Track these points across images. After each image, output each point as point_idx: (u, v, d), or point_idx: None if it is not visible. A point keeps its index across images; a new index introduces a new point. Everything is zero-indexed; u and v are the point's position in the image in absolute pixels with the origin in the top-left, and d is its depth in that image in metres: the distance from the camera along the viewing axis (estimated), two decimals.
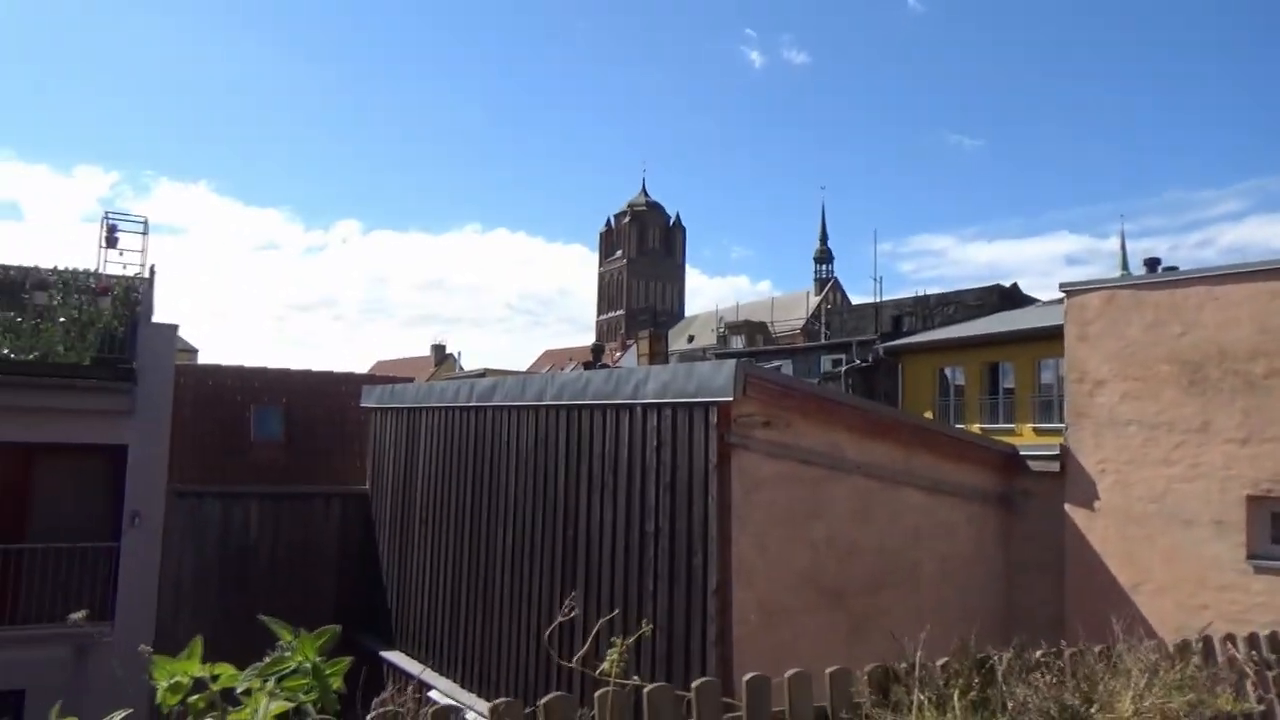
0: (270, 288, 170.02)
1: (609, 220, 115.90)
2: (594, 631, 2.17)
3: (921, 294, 35.45)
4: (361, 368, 68.59)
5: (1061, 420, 10.85)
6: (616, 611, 8.92)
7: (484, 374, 36.83)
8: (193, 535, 15.22)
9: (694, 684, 2.72)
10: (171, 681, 1.65)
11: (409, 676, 12.89)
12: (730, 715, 2.89)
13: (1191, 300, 9.57)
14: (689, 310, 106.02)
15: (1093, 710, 3.13)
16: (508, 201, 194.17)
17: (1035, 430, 23.77)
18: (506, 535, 11.91)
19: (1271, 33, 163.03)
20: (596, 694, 2.28)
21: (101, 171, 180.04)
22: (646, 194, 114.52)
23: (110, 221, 14.24)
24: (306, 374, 20.47)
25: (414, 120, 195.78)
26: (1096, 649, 3.84)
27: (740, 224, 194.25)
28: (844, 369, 30.18)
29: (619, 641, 1.87)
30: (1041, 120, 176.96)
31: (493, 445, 12.46)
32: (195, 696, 1.64)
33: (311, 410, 18.95)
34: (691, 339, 75.81)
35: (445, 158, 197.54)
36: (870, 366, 29.76)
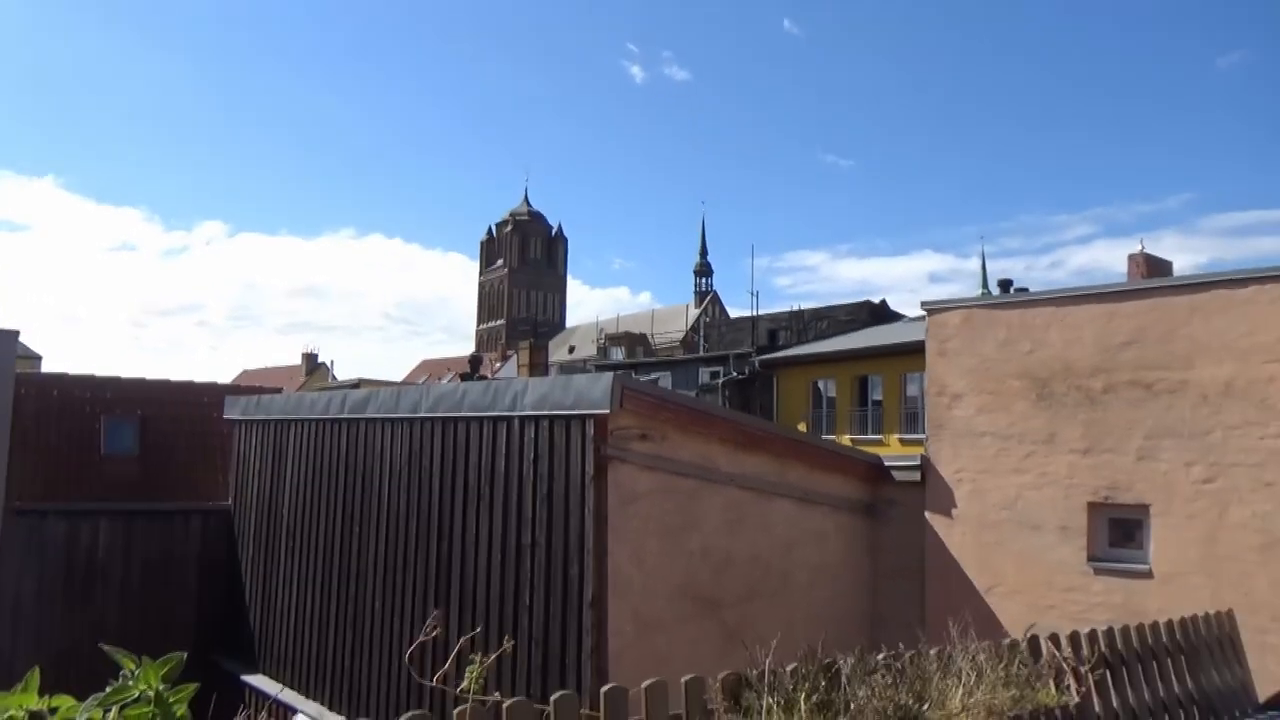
0: (126, 291, 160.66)
1: (490, 229, 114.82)
2: (456, 649, 2.15)
3: (796, 309, 36.56)
4: (228, 377, 65.62)
5: (925, 431, 11.37)
6: (479, 629, 8.83)
7: (358, 384, 35.84)
8: (34, 556, 14.20)
9: (552, 697, 2.73)
10: (5, 716, 1.57)
11: (273, 700, 12.38)
12: None
13: (1040, 320, 10.21)
14: (570, 321, 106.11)
15: (925, 708, 3.31)
16: (384, 206, 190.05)
17: (902, 441, 24.84)
18: (378, 551, 11.60)
19: (1126, 72, 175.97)
20: (455, 711, 2.27)
21: None
22: (529, 203, 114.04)
23: None
24: (165, 384, 19.45)
25: (282, 118, 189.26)
26: (933, 650, 4.06)
27: (622, 236, 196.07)
28: (721, 381, 30.78)
29: (478, 658, 1.87)
30: (910, 141, 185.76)
31: (365, 459, 12.13)
32: None
33: (170, 422, 18.02)
34: (572, 350, 75.83)
35: (317, 158, 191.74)
36: (747, 379, 30.46)
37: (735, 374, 30.91)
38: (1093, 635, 5.35)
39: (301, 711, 11.56)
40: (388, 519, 11.51)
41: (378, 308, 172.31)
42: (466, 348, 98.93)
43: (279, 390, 20.58)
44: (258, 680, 13.37)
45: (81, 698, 1.62)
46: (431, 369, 73.30)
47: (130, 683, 1.57)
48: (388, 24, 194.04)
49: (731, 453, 9.90)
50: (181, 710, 1.52)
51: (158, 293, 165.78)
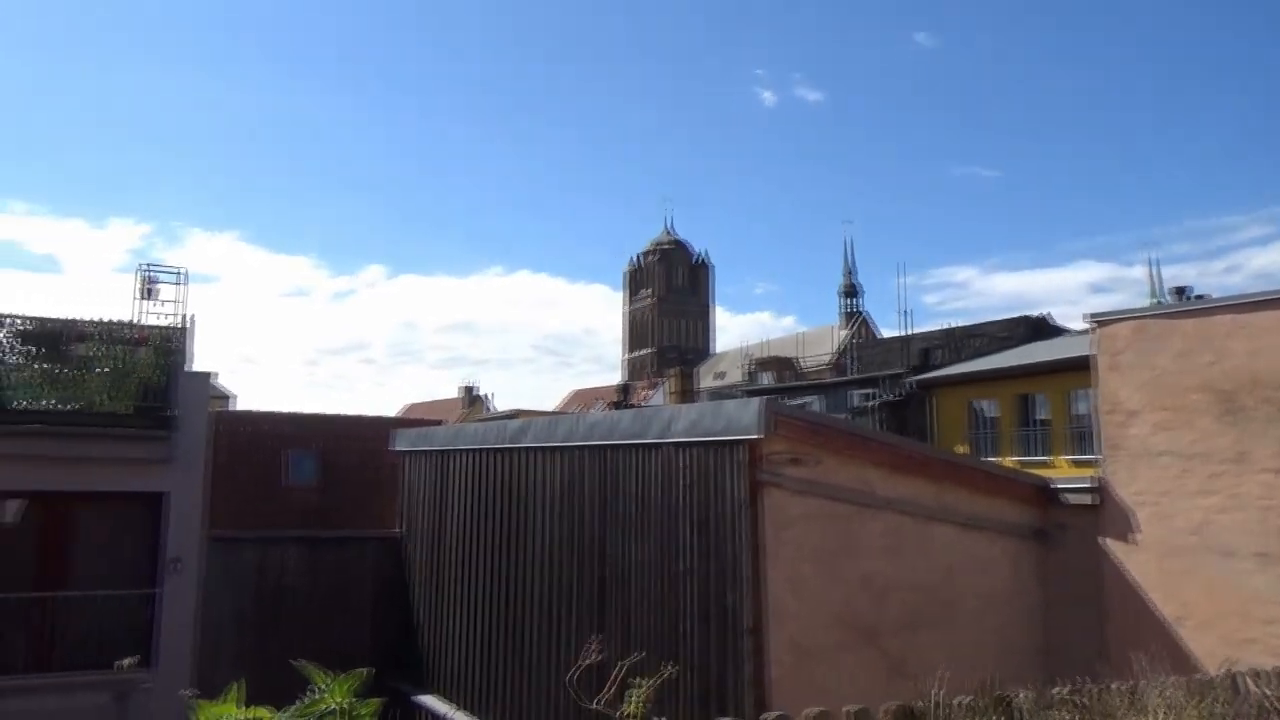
0: (300, 333, 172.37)
1: (634, 259, 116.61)
2: (615, 674, 2.20)
3: (949, 327, 35.27)
4: (392, 410, 69.13)
5: (1097, 451, 10.73)
6: (641, 654, 8.90)
7: (514, 415, 36.97)
8: (230, 580, 15.37)
9: None
10: None
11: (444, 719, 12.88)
12: None
13: (1221, 328, 9.49)
14: (717, 347, 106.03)
15: None
16: (530, 243, 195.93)
17: (1071, 462, 23.46)
18: (538, 577, 11.93)
19: None
20: None
21: (134, 223, 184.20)
22: (671, 232, 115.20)
23: (147, 273, 14.60)
24: (339, 418, 20.73)
25: (435, 165, 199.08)
26: (1119, 686, 3.82)
27: (763, 260, 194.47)
28: (874, 404, 30.02)
29: (641, 682, 1.91)
30: (1056, 148, 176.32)
31: (524, 487, 12.53)
32: None
33: (344, 454, 19.17)
34: (720, 376, 75.76)
35: (466, 201, 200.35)
36: (900, 401, 29.59)
37: (888, 396, 30.08)
38: None
39: None
40: (547, 545, 11.83)
41: (526, 341, 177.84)
42: (614, 377, 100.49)
43: (441, 422, 21.55)
44: (428, 700, 13.94)
45: (276, 710, 1.76)
46: (583, 398, 74.87)
47: (321, 697, 1.70)
48: (525, 66, 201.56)
49: (888, 476, 9.66)
50: None
51: (327, 333, 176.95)
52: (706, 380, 70.89)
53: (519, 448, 12.76)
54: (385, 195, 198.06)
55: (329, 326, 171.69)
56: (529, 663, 11.91)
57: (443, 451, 15.20)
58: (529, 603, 12.07)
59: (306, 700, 1.65)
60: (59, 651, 12.43)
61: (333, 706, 1.62)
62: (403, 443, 16.75)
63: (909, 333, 37.36)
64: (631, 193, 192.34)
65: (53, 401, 12.77)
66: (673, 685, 9.08)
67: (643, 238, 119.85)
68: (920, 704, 3.50)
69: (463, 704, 13.41)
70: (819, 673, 8.64)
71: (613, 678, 2.17)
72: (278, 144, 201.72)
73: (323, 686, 1.66)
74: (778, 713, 3.09)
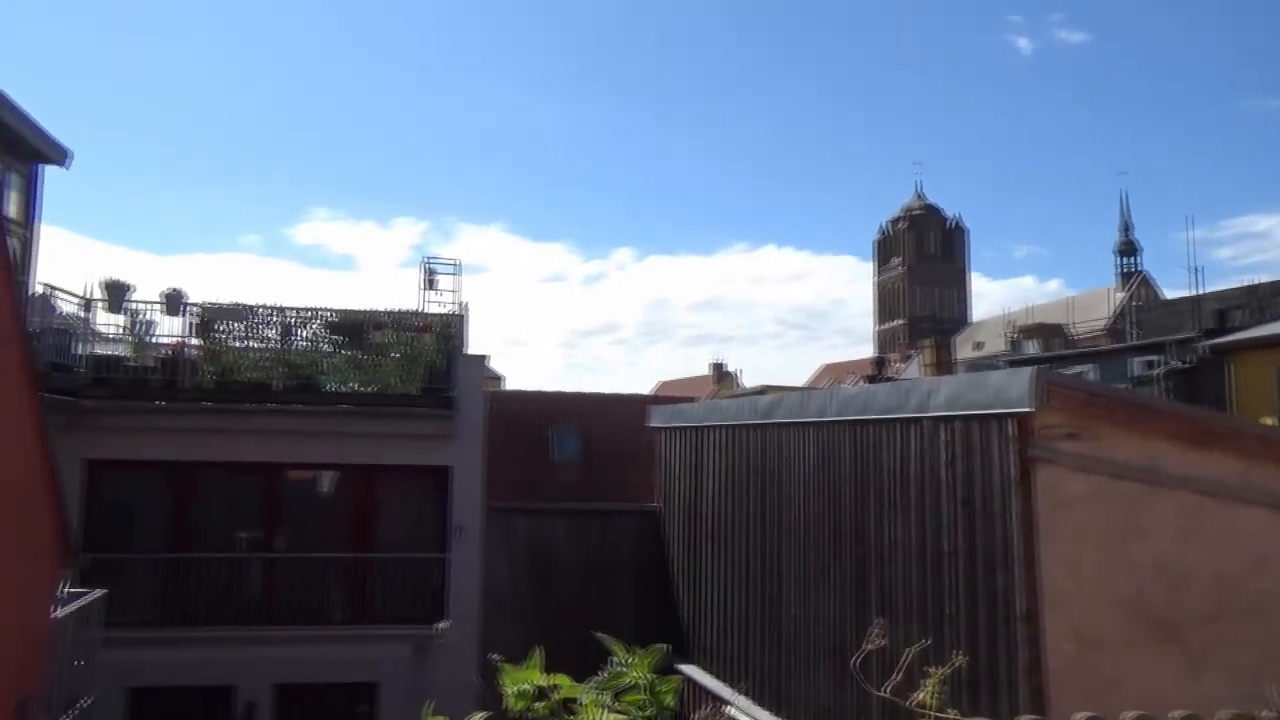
0: (557, 316, 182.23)
1: (883, 227, 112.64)
2: (904, 659, 2.13)
3: (1253, 283, 31.15)
4: (645, 388, 71.48)
5: None
6: (928, 641, 8.62)
7: (763, 391, 37.03)
8: (505, 548, 16.64)
9: None
10: (518, 689, 1.85)
11: (705, 691, 13.22)
12: None
13: None
14: (973, 316, 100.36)
15: None
16: (774, 217, 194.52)
17: None
18: (794, 554, 11.91)
19: None
20: None
21: (414, 222, 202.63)
22: (922, 197, 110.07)
23: (429, 265, 15.99)
24: (597, 396, 21.76)
25: (677, 144, 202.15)
26: None
27: (1024, 222, 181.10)
28: (1159, 372, 27.17)
29: (934, 671, 1.84)
30: None
31: (777, 463, 12.53)
32: (539, 704, 1.84)
33: (603, 430, 20.10)
34: (979, 346, 71.65)
35: (710, 178, 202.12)
36: (1191, 368, 26.56)
37: (1177, 363, 27.09)
38: None
39: (733, 705, 12.21)
40: (801, 522, 11.78)
41: (773, 316, 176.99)
42: (865, 350, 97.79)
43: (693, 398, 22.01)
44: (690, 670, 14.35)
45: (570, 679, 1.84)
46: (833, 373, 73.58)
47: (623, 671, 1.76)
48: (762, 34, 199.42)
49: (1182, 451, 8.71)
50: (670, 700, 1.69)
51: (581, 316, 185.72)
52: (964, 351, 67.27)
53: (771, 424, 12.77)
54: (631, 180, 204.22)
55: (583, 309, 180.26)
56: (786, 640, 11.95)
57: (697, 428, 15.52)
58: (785, 580, 12.10)
59: (608, 673, 1.74)
60: (368, 606, 14.02)
61: (636, 681, 1.69)
62: (658, 419, 17.28)
63: (1199, 292, 33.41)
64: (879, 159, 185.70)
65: (356, 385, 14.36)
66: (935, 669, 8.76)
67: (892, 205, 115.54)
68: (1266, 714, 3.09)
69: (721, 675, 13.70)
70: (1105, 666, 8.00)
71: (901, 663, 2.11)
72: (532, 142, 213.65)
73: (625, 660, 1.74)
74: (1087, 714, 2.87)
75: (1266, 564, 8.87)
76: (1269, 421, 23.08)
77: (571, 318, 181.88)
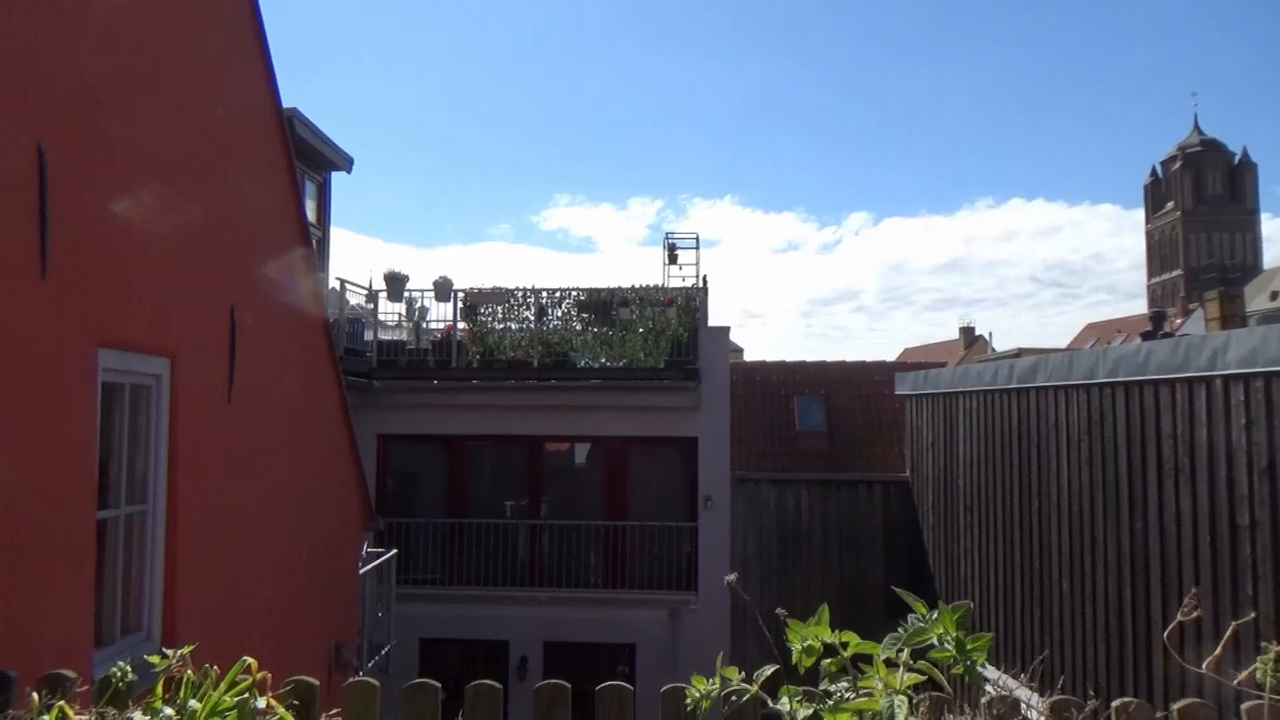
0: (793, 286, 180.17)
1: (1154, 169, 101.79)
2: (1230, 633, 1.96)
3: None
4: (889, 356, 69.30)
5: None
6: (1253, 614, 7.83)
7: (1019, 354, 34.83)
8: (752, 517, 16.83)
9: None
10: (805, 644, 1.90)
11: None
12: None
13: None
14: (1267, 262, 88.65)
15: None
16: (1021, 168, 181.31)
17: None
18: (1060, 526, 11.19)
19: None
20: (1246, 706, 2.08)
21: (648, 201, 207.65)
22: (1200, 132, 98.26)
23: (670, 241, 16.38)
24: (841, 365, 21.37)
25: (910, 101, 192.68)
26: None
27: None
28: None
29: (1271, 647, 1.69)
30: None
31: (1038, 429, 11.80)
32: (828, 660, 1.88)
33: (847, 399, 19.74)
34: (1276, 296, 63.29)
35: (946, 133, 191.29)
36: None
37: None
38: None
39: (992, 682, 11.71)
40: (1068, 492, 11.03)
41: (1024, 274, 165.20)
42: (1134, 307, 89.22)
43: (942, 364, 21.09)
44: None
45: (858, 637, 1.84)
46: (1099, 332, 67.81)
47: (925, 627, 1.73)
48: None
49: None
50: (981, 658, 1.65)
51: (819, 284, 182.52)
52: (1257, 301, 59.70)
53: (1032, 388, 12.02)
54: (861, 142, 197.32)
55: (819, 277, 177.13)
56: (1053, 616, 11.27)
57: (948, 394, 14.90)
58: (1050, 553, 11.40)
59: (910, 629, 1.72)
60: (624, 572, 14.72)
61: (940, 637, 1.66)
62: (905, 386, 16.74)
63: None
64: (1149, 93, 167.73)
65: (605, 360, 15.03)
66: (1235, 655, 7.95)
67: (1164, 144, 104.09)
68: None
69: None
70: None
71: (1228, 636, 1.96)
72: (757, 110, 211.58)
73: (926, 617, 1.73)
74: None
75: None
76: None
77: (808, 286, 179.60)
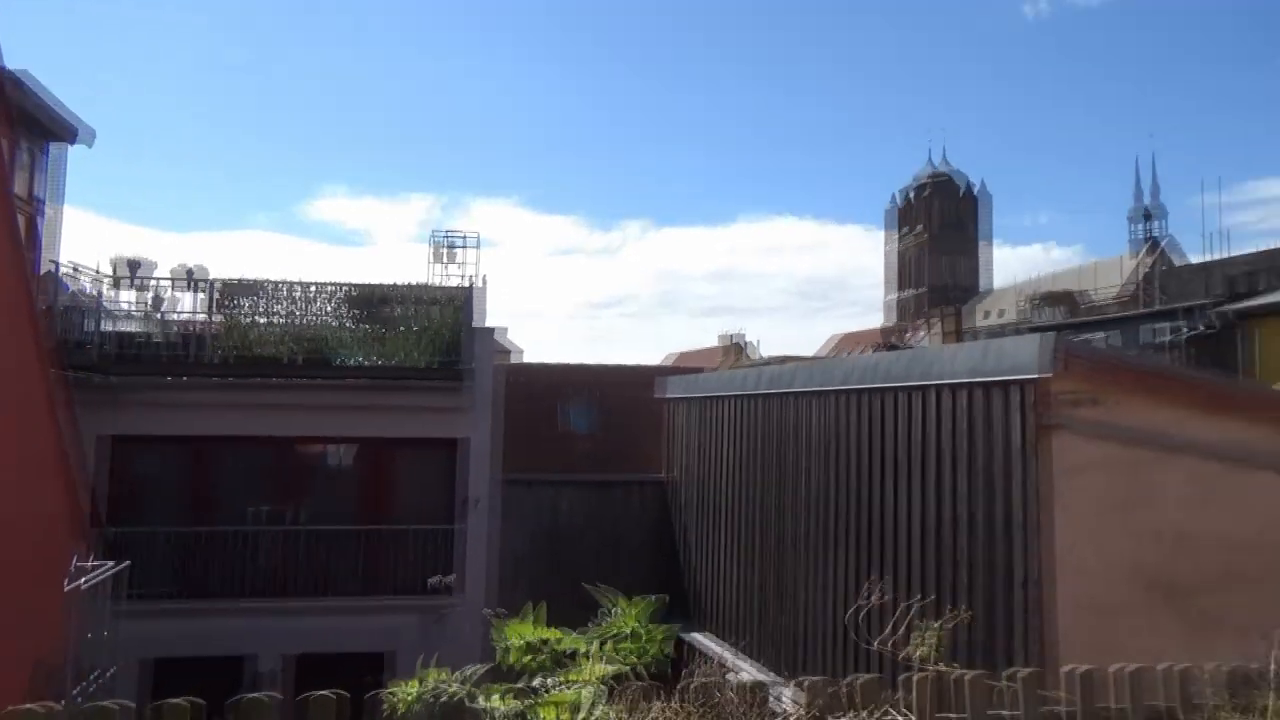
0: (569, 289, 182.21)
1: (896, 196, 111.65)
2: (896, 616, 2.17)
3: (1273, 247, 30.80)
4: (659, 360, 71.46)
5: None
6: (930, 597, 8.68)
7: (777, 361, 37.04)
8: (519, 519, 16.77)
9: (1020, 673, 2.64)
10: (516, 642, 1.92)
11: (710, 657, 13.37)
12: (1054, 709, 2.77)
13: None
14: (991, 284, 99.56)
15: None
16: (787, 188, 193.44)
17: None
18: (804, 521, 11.98)
19: None
20: (910, 678, 2.30)
21: (426, 196, 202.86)
22: (939, 164, 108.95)
23: (443, 239, 16.05)
24: (610, 368, 21.82)
25: (690, 115, 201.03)
26: None
27: (1042, 188, 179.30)
28: (1178, 338, 26.99)
29: (933, 626, 1.88)
30: None
31: (789, 431, 12.57)
32: (528, 657, 1.90)
33: (617, 402, 20.17)
34: (996, 314, 71.20)
35: (722, 149, 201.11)
36: (1209, 334, 26.38)
37: (1195, 328, 26.91)
38: None
39: (741, 670, 12.34)
40: (812, 490, 11.83)
41: (786, 287, 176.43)
42: (879, 320, 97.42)
43: (706, 369, 22.04)
44: (698, 637, 14.51)
45: (566, 630, 1.91)
46: (847, 343, 73.38)
47: (616, 620, 1.82)
48: (772, 8, 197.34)
49: (1196, 418, 8.70)
50: (664, 649, 1.74)
51: (596, 288, 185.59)
52: (979, 319, 66.87)
53: (783, 393, 12.80)
54: (641, 152, 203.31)
55: (596, 281, 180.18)
56: (796, 606, 12.04)
57: (708, 398, 15.57)
58: (796, 547, 12.17)
59: (601, 623, 1.78)
60: (381, 578, 14.21)
61: (626, 630, 1.73)
62: (670, 390, 17.33)
63: (1219, 256, 33.09)
64: (897, 127, 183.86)
65: (370, 358, 14.47)
66: (948, 635, 8.83)
67: (907, 172, 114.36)
68: (1255, 665, 3.13)
69: (730, 641, 13.83)
70: (1114, 632, 8.04)
71: (895, 619, 2.15)
72: (544, 114, 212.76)
73: (617, 609, 1.79)
74: (1086, 666, 2.92)
75: (1275, 528, 8.86)
76: None
77: (585, 290, 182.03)
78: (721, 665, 12.68)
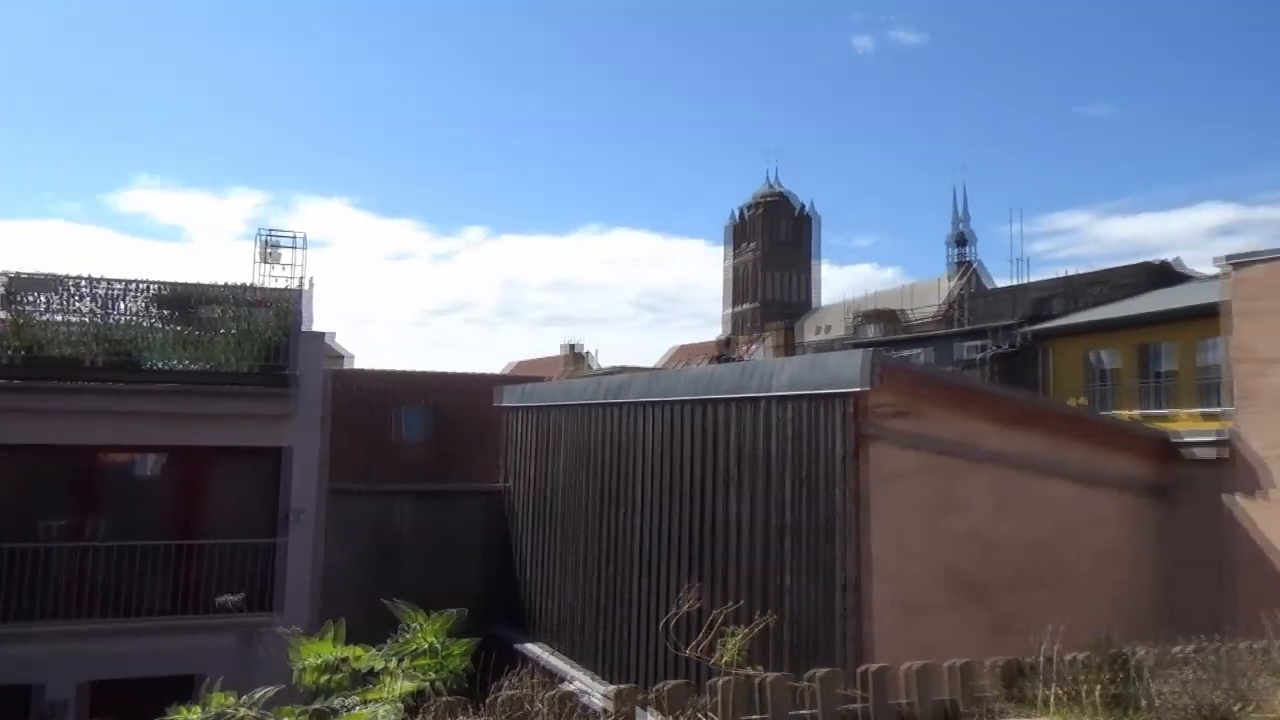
0: (407, 294, 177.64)
1: (735, 213, 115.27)
2: (710, 621, 2.20)
3: (1067, 275, 33.75)
4: (499, 368, 70.68)
5: (1224, 404, 10.14)
6: (738, 604, 8.92)
7: (616, 371, 37.31)
8: (347, 531, 16.09)
9: (817, 673, 2.73)
10: (311, 662, 1.80)
11: (544, 667, 13.26)
12: (850, 707, 2.88)
13: None
14: (821, 301, 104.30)
15: (1242, 709, 2.94)
16: (624, 200, 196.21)
17: (1196, 415, 22.27)
18: (639, 529, 12.07)
19: None
20: (716, 682, 2.34)
21: (252, 192, 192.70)
22: (774, 184, 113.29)
23: (267, 238, 15.24)
24: (448, 376, 21.34)
25: (531, 124, 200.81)
26: (1252, 645, 3.61)
27: (869, 211, 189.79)
28: (985, 356, 29.08)
29: (739, 631, 1.91)
30: (1173, 83, 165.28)
31: (625, 441, 12.65)
32: (334, 675, 1.79)
33: (454, 410, 19.74)
34: (826, 329, 74.58)
35: (563, 160, 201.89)
36: (1012, 353, 28.59)
37: (1000, 347, 29.10)
38: None
39: (573, 680, 12.29)
40: (648, 498, 11.95)
41: (626, 297, 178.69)
42: (716, 333, 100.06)
43: (545, 378, 21.94)
44: (533, 648, 14.36)
45: (367, 648, 1.82)
46: (685, 354, 74.96)
47: (414, 636, 1.75)
48: (619, 18, 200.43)
49: (998, 430, 9.35)
50: (462, 663, 1.68)
51: (433, 294, 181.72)
52: (809, 334, 69.89)
53: (621, 403, 12.87)
54: (483, 158, 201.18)
55: (434, 288, 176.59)
56: (630, 614, 12.11)
57: (546, 407, 15.47)
58: (630, 555, 12.25)
59: (399, 639, 1.70)
60: (193, 596, 13.28)
61: (425, 646, 1.66)
62: (508, 399, 17.11)
63: (1022, 282, 35.95)
64: (736, 146, 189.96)
65: (184, 362, 13.53)
66: (771, 638, 9.09)
67: (745, 191, 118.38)
68: (1030, 660, 3.38)
69: (564, 651, 13.77)
70: (923, 630, 8.50)
71: (707, 626, 2.18)
72: (380, 112, 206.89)
73: (416, 625, 1.70)
74: (878, 664, 3.04)
75: (1067, 532, 9.64)
76: (1079, 402, 25.08)
77: (422, 296, 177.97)
78: (552, 675, 12.61)
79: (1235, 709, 3.04)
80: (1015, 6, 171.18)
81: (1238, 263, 10.02)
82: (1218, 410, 17.72)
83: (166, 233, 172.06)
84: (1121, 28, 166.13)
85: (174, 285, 13.87)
